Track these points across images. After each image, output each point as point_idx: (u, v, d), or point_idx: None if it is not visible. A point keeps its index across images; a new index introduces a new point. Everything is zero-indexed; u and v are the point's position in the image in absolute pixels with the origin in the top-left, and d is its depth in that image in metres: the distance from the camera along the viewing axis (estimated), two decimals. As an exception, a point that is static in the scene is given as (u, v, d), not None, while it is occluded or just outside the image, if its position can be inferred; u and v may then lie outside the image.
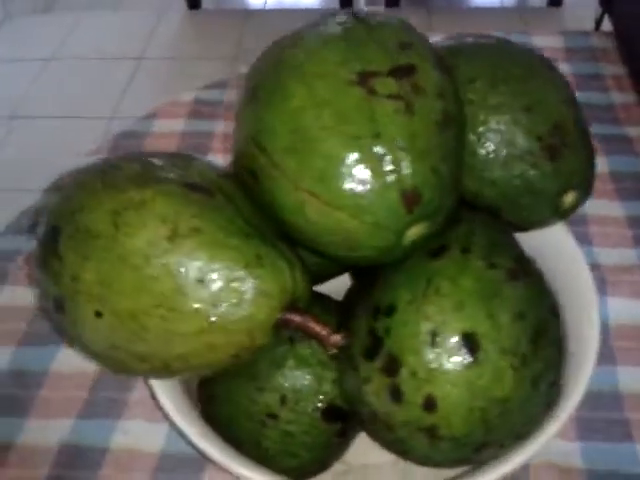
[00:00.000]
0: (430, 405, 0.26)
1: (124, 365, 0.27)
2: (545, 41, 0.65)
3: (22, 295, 0.47)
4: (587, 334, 0.31)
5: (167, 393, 0.31)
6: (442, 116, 0.25)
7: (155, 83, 1.57)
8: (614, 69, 0.61)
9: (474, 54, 0.32)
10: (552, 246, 0.35)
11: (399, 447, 0.27)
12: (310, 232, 0.26)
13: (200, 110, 0.63)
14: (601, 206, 0.50)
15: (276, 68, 0.26)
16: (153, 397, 0.31)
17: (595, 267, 0.46)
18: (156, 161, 0.28)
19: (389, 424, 0.27)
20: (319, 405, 0.31)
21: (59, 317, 0.27)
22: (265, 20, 1.78)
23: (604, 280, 0.45)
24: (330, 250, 0.27)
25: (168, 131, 0.61)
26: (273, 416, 0.31)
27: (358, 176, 0.24)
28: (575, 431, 0.38)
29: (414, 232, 0.26)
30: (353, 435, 0.34)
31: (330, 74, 0.25)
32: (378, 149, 0.24)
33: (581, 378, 0.29)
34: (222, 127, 0.61)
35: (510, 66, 0.32)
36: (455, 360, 0.25)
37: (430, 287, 0.27)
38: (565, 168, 0.31)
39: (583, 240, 0.48)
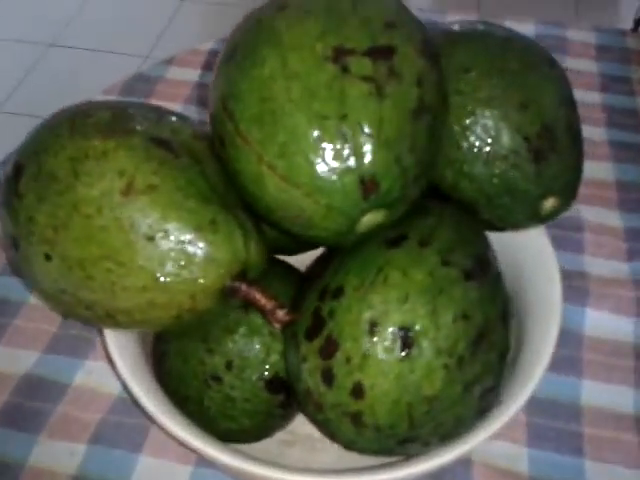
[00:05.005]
0: (358, 392, 0.26)
1: (71, 309, 0.28)
2: (578, 36, 0.63)
3: None
4: (539, 348, 0.30)
5: (120, 347, 0.31)
6: (417, 104, 0.25)
7: (195, 26, 1.56)
8: (645, 74, 0.59)
9: (474, 43, 0.31)
10: (528, 248, 0.35)
11: (327, 428, 0.28)
12: (267, 205, 0.26)
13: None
14: (600, 214, 0.49)
15: (256, 32, 0.25)
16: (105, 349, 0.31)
17: (581, 276, 0.45)
18: (129, 112, 0.28)
19: (319, 404, 0.27)
20: (264, 375, 0.31)
21: (14, 254, 0.28)
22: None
23: (587, 291, 0.44)
24: (285, 225, 0.26)
25: (182, 79, 0.60)
26: (217, 379, 0.31)
27: (317, 156, 0.24)
28: (526, 436, 0.38)
29: (370, 219, 0.26)
30: (297, 408, 0.34)
31: (306, 46, 0.24)
32: (342, 131, 0.24)
33: (522, 391, 0.29)
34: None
35: (509, 59, 0.30)
36: (388, 352, 0.25)
37: (379, 275, 0.26)
38: (548, 173, 0.30)
39: (575, 247, 0.47)
